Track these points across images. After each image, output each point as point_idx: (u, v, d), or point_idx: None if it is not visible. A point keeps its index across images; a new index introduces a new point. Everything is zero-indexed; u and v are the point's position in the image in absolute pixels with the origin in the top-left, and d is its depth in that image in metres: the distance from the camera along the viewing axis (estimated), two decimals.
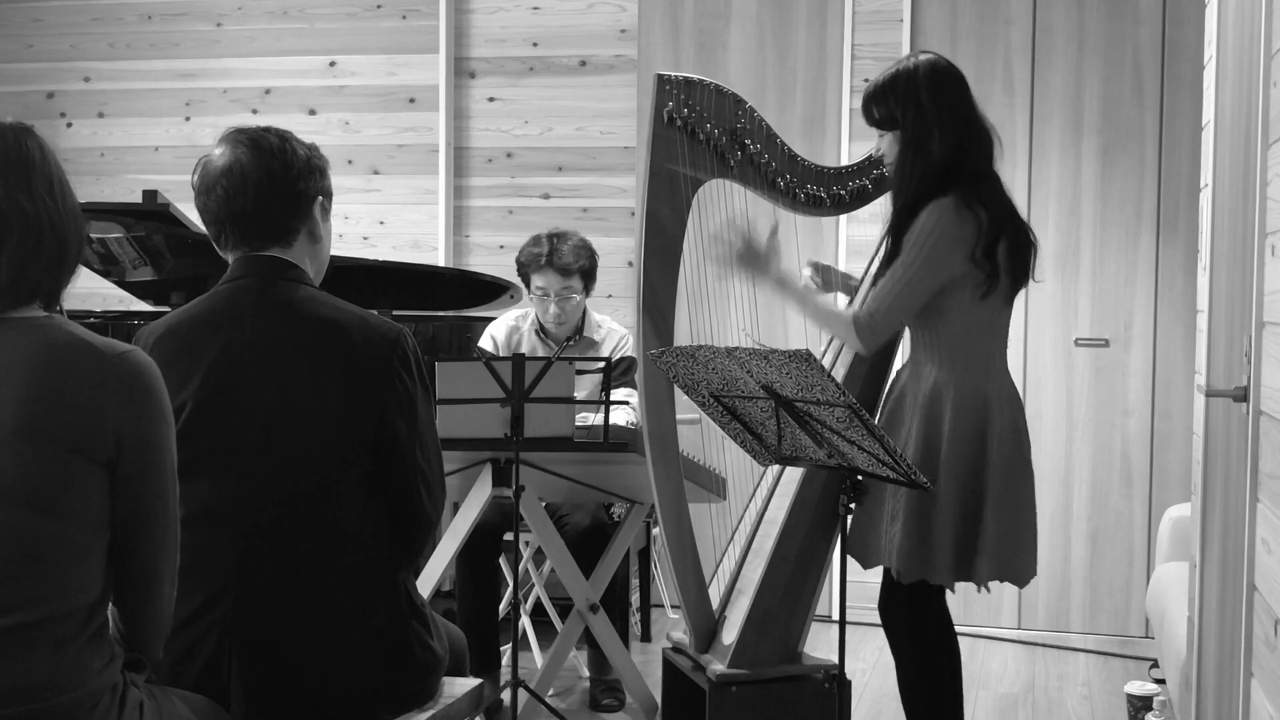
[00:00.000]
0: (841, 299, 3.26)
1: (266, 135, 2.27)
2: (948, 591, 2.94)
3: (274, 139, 2.26)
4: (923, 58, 2.91)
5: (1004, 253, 2.83)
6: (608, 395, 3.41)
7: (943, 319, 2.86)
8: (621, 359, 4.01)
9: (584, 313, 4.10)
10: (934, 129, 2.84)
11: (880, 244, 3.11)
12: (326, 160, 2.35)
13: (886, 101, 2.89)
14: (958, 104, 2.87)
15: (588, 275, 3.99)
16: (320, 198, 2.31)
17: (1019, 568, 2.88)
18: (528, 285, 4.03)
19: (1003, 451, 2.86)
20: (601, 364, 3.68)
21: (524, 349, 4.05)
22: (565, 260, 3.92)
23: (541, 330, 4.08)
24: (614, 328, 4.16)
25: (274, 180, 2.24)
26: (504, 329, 4.13)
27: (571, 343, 4.06)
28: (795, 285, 2.99)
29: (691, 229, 3.03)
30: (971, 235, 2.78)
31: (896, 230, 2.87)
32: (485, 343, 4.13)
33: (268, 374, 2.19)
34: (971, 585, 2.89)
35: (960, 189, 2.80)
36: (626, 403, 3.91)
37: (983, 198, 2.81)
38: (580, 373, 3.74)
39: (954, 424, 2.82)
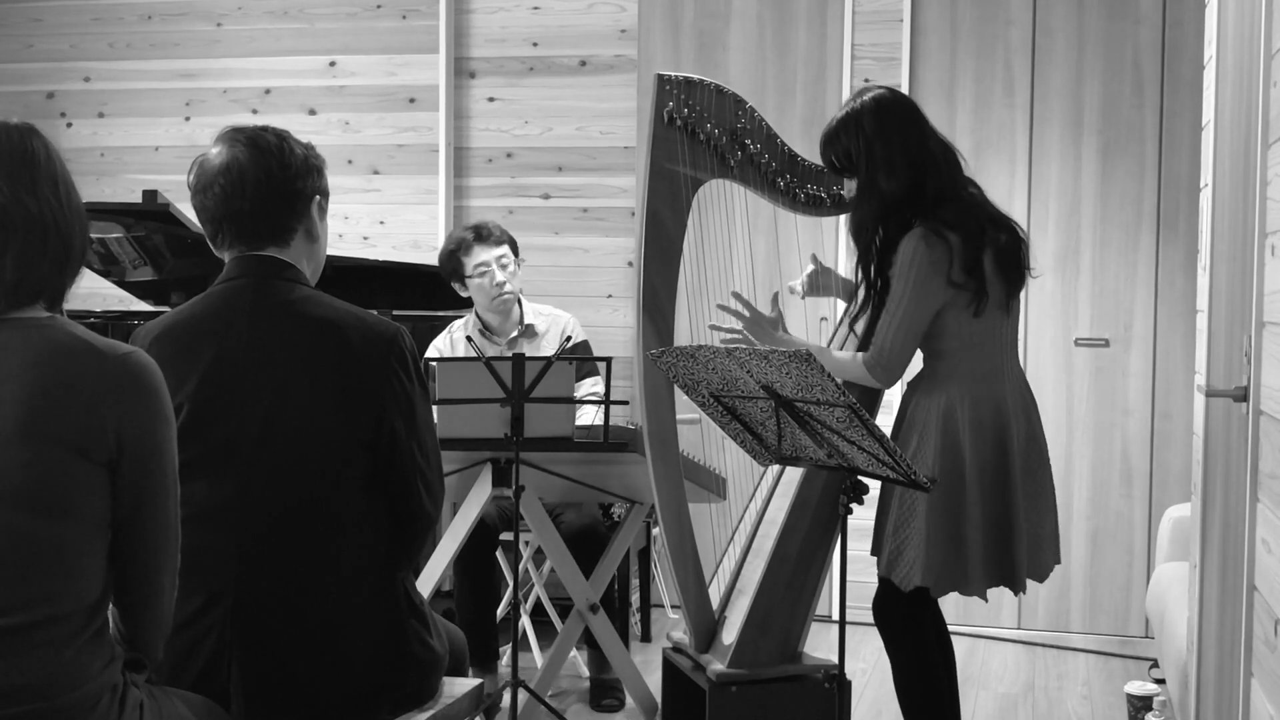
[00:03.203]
0: (840, 305, 3.26)
1: (264, 134, 2.27)
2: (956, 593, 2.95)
3: (271, 138, 2.26)
4: (868, 95, 2.91)
5: (990, 263, 2.83)
6: (607, 395, 3.41)
7: (943, 339, 2.86)
8: (576, 345, 4.02)
9: (520, 303, 4.13)
10: (883, 165, 2.85)
11: (857, 284, 3.10)
12: (323, 159, 2.35)
13: (838, 144, 2.91)
14: (907, 133, 2.87)
15: (514, 247, 4.11)
16: (318, 197, 2.31)
17: (1043, 564, 2.93)
18: (461, 276, 4.05)
19: (1025, 453, 2.87)
20: (600, 361, 3.69)
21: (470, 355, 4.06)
22: (493, 233, 4.04)
23: (485, 329, 4.10)
24: (556, 314, 4.20)
25: (272, 179, 2.23)
26: (448, 340, 4.16)
27: (516, 334, 4.07)
28: (802, 346, 2.99)
29: (692, 229, 3.03)
30: (944, 260, 2.79)
31: (878, 269, 2.87)
32: (432, 356, 4.11)
33: (264, 375, 2.18)
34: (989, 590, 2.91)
35: (925, 220, 2.81)
36: (613, 403, 3.91)
37: (949, 222, 2.81)
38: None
39: (974, 434, 2.83)
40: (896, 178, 2.85)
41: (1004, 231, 2.88)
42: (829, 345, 3.11)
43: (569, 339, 4.08)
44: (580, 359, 3.88)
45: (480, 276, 4.02)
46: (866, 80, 4.83)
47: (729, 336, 3.01)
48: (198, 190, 2.26)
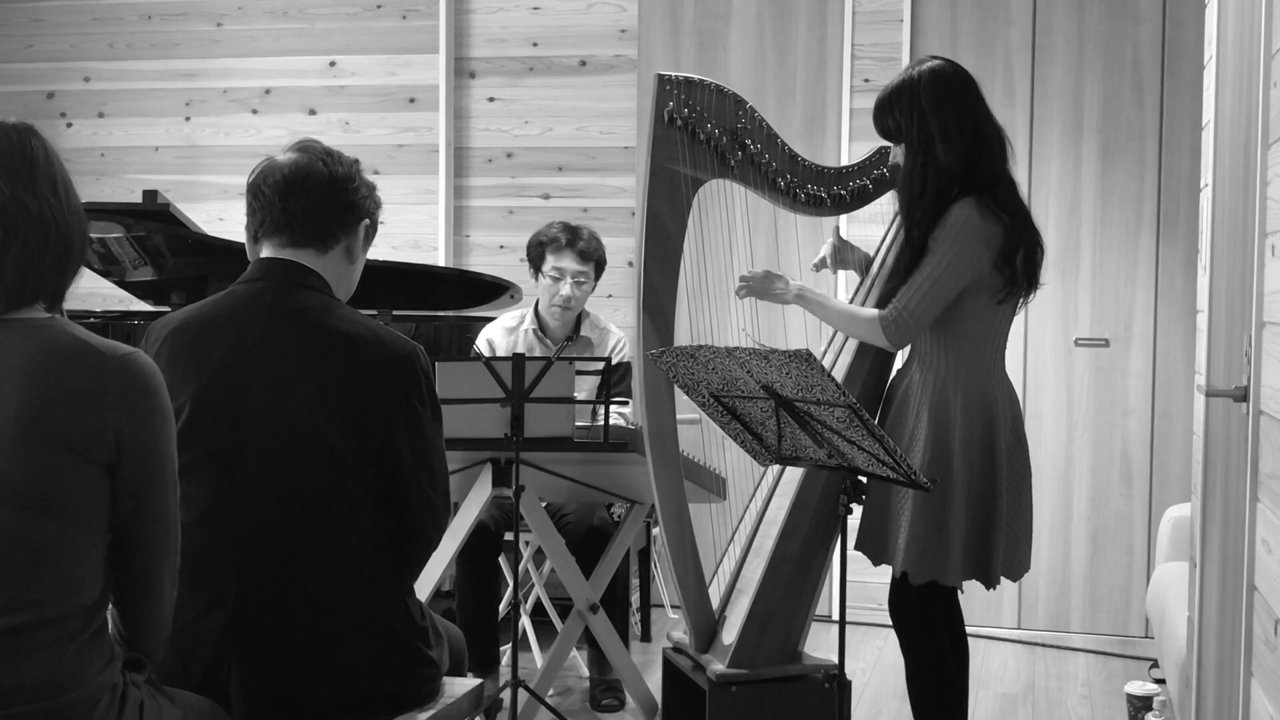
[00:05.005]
0: (854, 278, 3.26)
1: (339, 153, 2.33)
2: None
3: (346, 157, 2.33)
4: (926, 66, 2.91)
5: (1021, 260, 2.84)
6: (608, 395, 3.41)
7: (954, 323, 2.86)
8: (620, 364, 4.02)
9: (582, 313, 4.12)
10: (939, 138, 2.85)
11: (880, 248, 3.11)
12: (381, 201, 2.42)
13: (892, 113, 2.90)
14: (963, 109, 2.88)
15: (600, 266, 4.09)
16: (367, 220, 2.34)
17: (1017, 563, 2.93)
18: (538, 268, 4.06)
19: (1009, 452, 2.88)
20: (600, 364, 3.68)
21: (521, 350, 4.06)
22: (585, 246, 4.03)
23: (540, 329, 4.10)
24: (611, 329, 4.18)
25: (335, 182, 2.27)
26: (500, 331, 4.14)
27: (570, 342, 4.07)
28: (815, 294, 3.01)
29: (692, 229, 3.03)
30: (998, 238, 2.80)
31: (919, 237, 2.86)
32: (481, 347, 4.13)
33: (273, 380, 2.17)
34: (970, 584, 2.91)
35: (980, 195, 2.81)
36: (625, 401, 3.92)
37: (1003, 203, 2.82)
38: (579, 373, 3.75)
39: (964, 427, 2.83)
40: (953, 151, 2.84)
41: (1034, 233, 2.89)
42: (853, 303, 3.10)
43: (570, 339, 4.08)
44: (585, 359, 3.87)
45: (552, 281, 4.02)
46: (867, 80, 4.83)
47: (743, 288, 3.05)
48: (257, 180, 2.27)
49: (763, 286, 3.04)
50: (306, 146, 2.30)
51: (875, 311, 2.88)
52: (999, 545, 2.87)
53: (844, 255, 3.25)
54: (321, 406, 2.16)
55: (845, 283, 4.76)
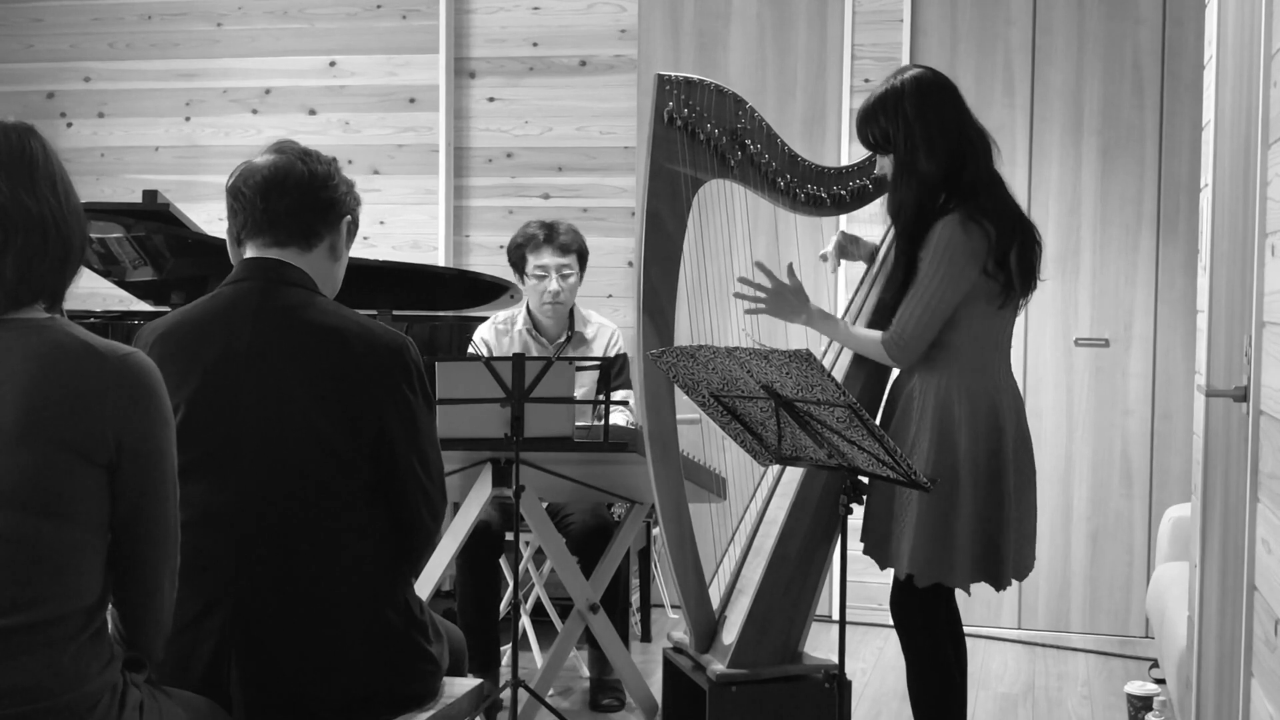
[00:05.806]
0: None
1: (317, 152, 2.34)
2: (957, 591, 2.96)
3: (323, 156, 2.34)
4: (908, 74, 2.92)
5: (1014, 260, 2.84)
6: (608, 395, 3.42)
7: (955, 327, 2.87)
8: (617, 357, 4.02)
9: (573, 309, 4.12)
10: (923, 145, 2.85)
11: (881, 247, 3.11)
12: (361, 199, 2.43)
13: (877, 123, 2.91)
14: (946, 116, 2.88)
15: (583, 257, 4.09)
16: (349, 217, 2.35)
17: (1024, 562, 2.94)
18: (522, 271, 4.06)
19: (1015, 454, 2.88)
20: (599, 363, 3.69)
21: (516, 349, 4.06)
22: (565, 239, 4.02)
23: (534, 327, 4.10)
24: (604, 323, 4.19)
25: (315, 181, 2.28)
26: (493, 331, 4.14)
27: (564, 340, 4.07)
28: (827, 317, 3.01)
29: (692, 229, 3.03)
30: (982, 249, 2.80)
31: (907, 249, 2.87)
32: (475, 347, 4.13)
33: (265, 379, 2.18)
34: (973, 585, 2.91)
35: (963, 204, 2.82)
36: (625, 404, 3.92)
37: (986, 210, 2.82)
38: (579, 369, 3.75)
39: (970, 429, 2.84)
40: (936, 159, 2.85)
41: (1028, 232, 2.89)
42: (849, 311, 3.10)
43: (567, 339, 4.09)
44: (585, 358, 3.88)
45: (538, 280, 4.03)
46: (867, 80, 4.83)
47: (752, 307, 3.01)
48: (238, 181, 2.29)
49: (774, 305, 2.99)
50: (283, 147, 2.31)
51: (879, 335, 2.89)
52: (1010, 547, 2.87)
53: (851, 249, 3.26)
54: (314, 402, 2.17)
55: (844, 282, 4.76)
